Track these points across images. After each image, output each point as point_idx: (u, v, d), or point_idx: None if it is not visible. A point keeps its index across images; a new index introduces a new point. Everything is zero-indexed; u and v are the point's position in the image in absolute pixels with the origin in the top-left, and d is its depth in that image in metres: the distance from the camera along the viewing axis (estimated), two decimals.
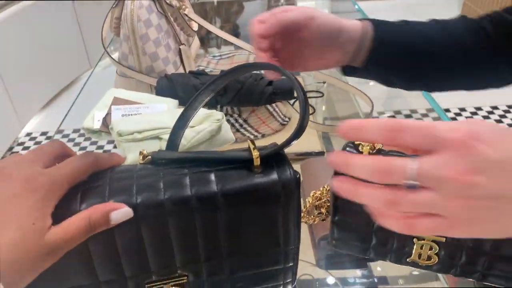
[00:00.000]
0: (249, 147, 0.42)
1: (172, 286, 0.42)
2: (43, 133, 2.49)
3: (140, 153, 0.43)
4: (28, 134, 2.49)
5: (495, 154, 0.28)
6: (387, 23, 0.59)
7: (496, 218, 0.30)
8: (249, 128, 0.93)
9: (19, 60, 2.36)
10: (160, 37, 0.78)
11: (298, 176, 0.41)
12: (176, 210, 0.38)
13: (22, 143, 2.43)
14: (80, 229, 0.34)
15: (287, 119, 0.99)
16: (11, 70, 2.30)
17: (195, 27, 0.90)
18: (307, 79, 0.90)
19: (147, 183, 0.39)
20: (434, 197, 0.29)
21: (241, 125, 0.91)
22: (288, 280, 0.49)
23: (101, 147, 2.26)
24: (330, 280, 0.73)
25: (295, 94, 0.75)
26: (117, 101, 0.71)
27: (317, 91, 0.80)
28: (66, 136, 2.45)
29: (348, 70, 0.62)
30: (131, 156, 0.64)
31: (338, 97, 0.98)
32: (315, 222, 0.54)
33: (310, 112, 0.79)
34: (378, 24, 0.58)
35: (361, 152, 0.43)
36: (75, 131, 2.41)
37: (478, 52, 0.58)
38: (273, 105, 0.95)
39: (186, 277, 0.43)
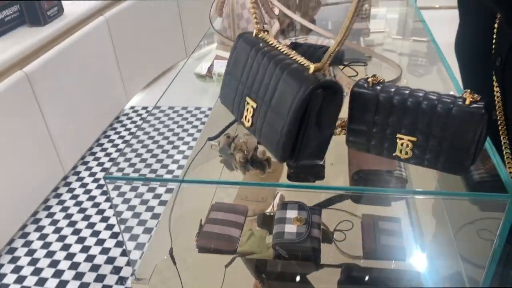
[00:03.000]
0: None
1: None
2: (144, 108, 2.96)
3: None
4: (132, 107, 2.97)
5: None
6: None
7: None
8: None
9: (130, 46, 2.84)
10: (250, 17, 1.09)
11: None
12: None
13: (126, 114, 2.90)
14: None
15: (345, 94, 1.26)
16: (124, 53, 2.78)
17: (276, 11, 1.20)
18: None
19: None
20: None
21: None
22: None
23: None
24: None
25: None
26: (217, 57, 1.04)
27: (362, 62, 1.06)
28: (162, 111, 2.88)
29: None
30: None
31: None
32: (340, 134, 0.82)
33: (354, 74, 1.05)
34: None
35: (369, 82, 0.71)
36: (170, 108, 2.85)
37: None
38: (333, 76, 1.22)
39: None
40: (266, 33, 0.77)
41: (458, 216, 1.03)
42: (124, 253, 1.80)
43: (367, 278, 0.96)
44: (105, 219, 2.09)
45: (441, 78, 1.22)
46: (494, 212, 0.78)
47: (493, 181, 0.77)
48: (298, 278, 0.99)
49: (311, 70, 0.66)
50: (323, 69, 0.66)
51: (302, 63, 0.68)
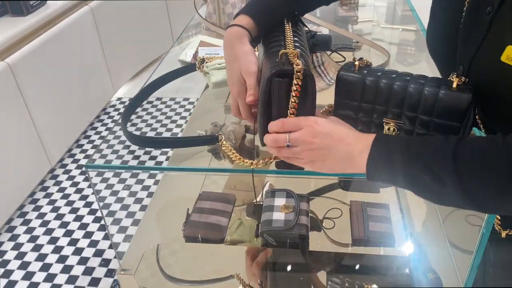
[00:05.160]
0: None
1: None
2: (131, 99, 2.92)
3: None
4: (119, 99, 2.93)
5: (324, 129, 0.62)
6: None
7: (323, 161, 0.63)
8: None
9: (116, 36, 2.80)
10: (236, 1, 1.07)
11: None
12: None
13: (113, 106, 2.87)
14: None
15: (332, 81, 1.24)
16: (111, 44, 2.73)
17: None
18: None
19: None
20: (296, 150, 0.64)
21: None
22: None
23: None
24: None
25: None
26: (203, 43, 1.02)
27: (349, 47, 1.05)
28: (150, 102, 2.84)
29: None
30: (213, 78, 0.94)
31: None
32: None
33: (341, 60, 1.04)
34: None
35: (355, 65, 0.69)
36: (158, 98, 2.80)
37: None
38: (322, 67, 1.20)
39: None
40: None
41: None
42: (117, 243, 1.78)
43: (356, 265, 0.95)
44: (93, 212, 2.07)
45: (430, 67, 1.22)
46: None
47: None
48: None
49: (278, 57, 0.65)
50: (290, 54, 0.65)
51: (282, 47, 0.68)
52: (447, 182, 0.53)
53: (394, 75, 0.68)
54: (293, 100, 0.65)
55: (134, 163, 2.30)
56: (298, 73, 0.62)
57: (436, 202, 0.60)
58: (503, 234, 0.70)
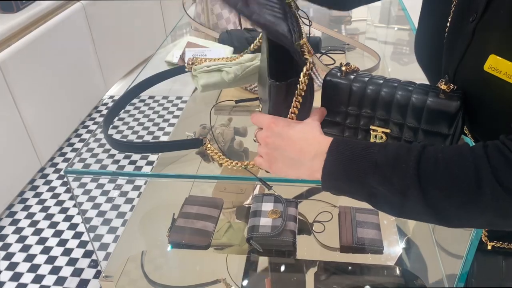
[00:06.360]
0: None
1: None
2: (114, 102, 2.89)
3: None
4: (111, 97, 2.90)
5: (278, 129, 0.59)
6: None
7: (277, 163, 0.59)
8: None
9: (109, 34, 2.77)
10: None
11: None
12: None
13: (105, 104, 2.84)
14: None
15: None
16: (103, 41, 2.70)
17: None
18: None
19: None
20: (259, 148, 0.61)
21: None
22: None
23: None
24: None
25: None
26: (189, 44, 1.00)
27: (340, 49, 1.03)
28: (143, 100, 2.82)
29: None
30: (202, 81, 0.92)
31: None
32: None
33: (331, 63, 1.02)
34: None
35: (342, 70, 0.67)
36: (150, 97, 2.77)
37: None
38: (314, 69, 1.19)
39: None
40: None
41: None
42: (102, 247, 1.76)
43: (343, 270, 0.94)
44: (83, 213, 2.04)
45: None
46: None
47: None
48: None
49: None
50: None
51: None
52: (408, 195, 0.50)
53: (382, 81, 0.66)
54: (297, 100, 0.63)
55: (125, 162, 2.28)
56: (308, 72, 0.61)
57: (397, 216, 0.57)
58: (489, 246, 0.68)
